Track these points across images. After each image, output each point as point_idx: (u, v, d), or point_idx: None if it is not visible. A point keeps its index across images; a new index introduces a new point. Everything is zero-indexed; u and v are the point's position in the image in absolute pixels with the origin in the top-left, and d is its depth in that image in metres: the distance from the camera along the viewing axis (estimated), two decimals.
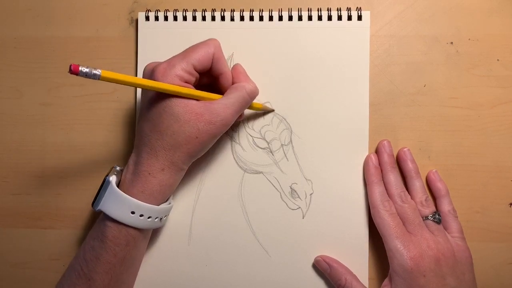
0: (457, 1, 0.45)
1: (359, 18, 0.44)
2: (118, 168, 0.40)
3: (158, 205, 0.39)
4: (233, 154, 0.44)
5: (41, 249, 0.46)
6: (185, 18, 0.45)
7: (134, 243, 0.38)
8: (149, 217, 0.38)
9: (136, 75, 0.45)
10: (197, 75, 0.38)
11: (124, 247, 0.38)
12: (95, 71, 0.31)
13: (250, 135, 0.44)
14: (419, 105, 0.44)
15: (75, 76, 0.46)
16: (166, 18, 0.45)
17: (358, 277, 0.42)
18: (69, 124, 0.46)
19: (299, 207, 0.44)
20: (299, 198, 0.44)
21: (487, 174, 0.44)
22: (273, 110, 0.44)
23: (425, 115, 0.44)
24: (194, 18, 0.45)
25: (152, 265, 0.44)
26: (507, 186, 0.44)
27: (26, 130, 0.46)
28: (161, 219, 0.40)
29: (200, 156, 0.40)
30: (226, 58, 0.44)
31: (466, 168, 0.44)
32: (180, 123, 0.36)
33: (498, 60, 0.44)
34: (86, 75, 0.30)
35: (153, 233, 0.44)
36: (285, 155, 0.44)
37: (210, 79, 0.41)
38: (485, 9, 0.44)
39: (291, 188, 0.44)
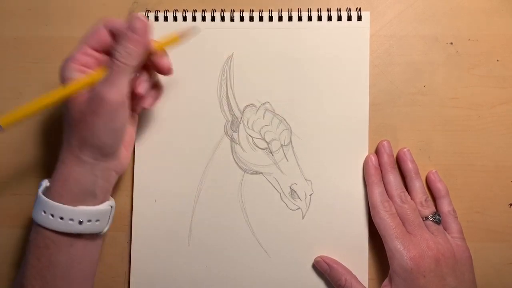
0: (457, 1, 0.44)
1: (359, 18, 0.44)
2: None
3: (75, 206, 0.36)
4: (233, 154, 0.44)
5: None
6: (185, 19, 0.45)
7: (55, 247, 0.36)
8: (61, 218, 0.35)
9: None
10: (97, 54, 0.37)
11: (45, 250, 0.36)
12: None
13: (250, 136, 0.44)
14: (419, 105, 0.44)
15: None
16: (166, 19, 0.45)
17: (358, 277, 0.42)
18: None
19: (299, 208, 0.44)
20: (299, 198, 0.44)
21: (487, 174, 0.44)
22: (198, 32, 0.42)
23: (425, 115, 0.44)
24: (194, 18, 0.45)
25: (152, 265, 0.44)
26: (507, 186, 0.44)
27: (26, 130, 0.46)
28: (81, 223, 0.36)
29: (109, 151, 0.37)
30: (226, 58, 0.44)
31: (466, 168, 0.44)
32: (67, 108, 0.36)
33: (498, 60, 0.44)
34: None
35: (153, 233, 0.44)
36: (285, 155, 0.44)
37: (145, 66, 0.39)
38: (485, 9, 0.44)
39: (291, 188, 0.44)
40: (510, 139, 0.44)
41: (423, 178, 0.44)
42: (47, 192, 0.37)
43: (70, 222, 0.36)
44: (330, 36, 0.44)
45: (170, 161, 0.44)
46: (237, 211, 0.44)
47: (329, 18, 0.44)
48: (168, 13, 0.45)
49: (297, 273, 0.43)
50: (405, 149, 0.43)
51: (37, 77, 0.46)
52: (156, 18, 0.45)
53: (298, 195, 0.44)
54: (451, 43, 0.44)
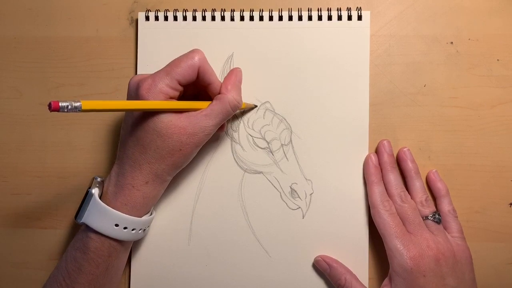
0: (457, 1, 0.45)
1: (359, 18, 0.44)
2: (99, 179, 0.39)
3: (141, 217, 0.39)
4: (233, 154, 0.44)
5: (41, 249, 0.46)
6: (185, 18, 0.45)
7: (116, 254, 0.39)
8: (132, 229, 0.38)
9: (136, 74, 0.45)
10: (181, 89, 0.38)
11: (107, 258, 0.38)
12: (75, 104, 0.30)
13: (250, 135, 0.44)
14: (419, 105, 0.44)
15: (75, 76, 0.47)
16: (166, 18, 0.45)
17: (358, 277, 0.42)
18: (69, 124, 0.46)
19: (299, 207, 0.44)
20: (299, 198, 0.44)
21: (487, 174, 0.44)
22: (255, 106, 0.44)
23: (425, 115, 0.44)
24: (194, 18, 0.45)
25: (152, 265, 0.44)
26: (507, 186, 0.44)
27: (26, 130, 0.46)
28: (144, 230, 0.40)
29: (184, 167, 0.40)
30: (226, 58, 0.44)
31: (466, 168, 0.44)
32: (163, 138, 0.36)
33: (498, 60, 0.44)
34: (67, 109, 0.29)
35: (153, 233, 0.44)
36: (285, 155, 0.44)
37: (196, 89, 0.41)
38: (485, 9, 0.44)
39: (291, 188, 0.44)
40: (510, 139, 0.44)
41: (423, 178, 0.44)
42: (110, 205, 0.37)
43: (139, 231, 0.39)
44: (330, 35, 0.44)
45: None
46: (237, 210, 0.44)
47: (329, 18, 0.44)
48: (168, 12, 0.45)
49: (297, 272, 0.43)
50: (405, 149, 0.43)
51: (37, 77, 0.46)
52: (156, 18, 0.45)
53: (298, 195, 0.44)
54: (451, 43, 0.44)
